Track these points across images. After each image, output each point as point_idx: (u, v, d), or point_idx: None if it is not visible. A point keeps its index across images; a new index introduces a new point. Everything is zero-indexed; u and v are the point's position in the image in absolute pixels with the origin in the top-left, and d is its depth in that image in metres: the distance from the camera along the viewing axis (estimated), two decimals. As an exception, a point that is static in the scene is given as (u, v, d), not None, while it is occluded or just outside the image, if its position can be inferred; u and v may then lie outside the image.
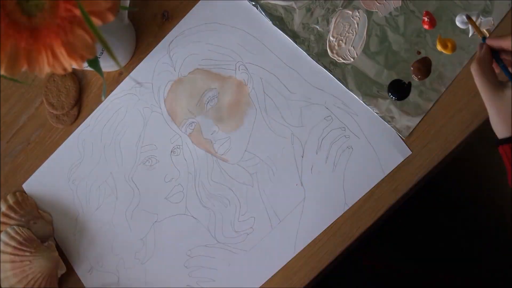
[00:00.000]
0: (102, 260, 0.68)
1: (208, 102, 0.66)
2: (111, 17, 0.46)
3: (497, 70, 0.51)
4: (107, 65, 0.66)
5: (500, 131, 0.48)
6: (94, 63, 0.53)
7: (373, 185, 0.59)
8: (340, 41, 0.62)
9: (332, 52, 0.62)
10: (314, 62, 0.62)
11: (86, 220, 0.69)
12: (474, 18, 0.58)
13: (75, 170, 0.70)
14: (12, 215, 0.69)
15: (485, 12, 0.58)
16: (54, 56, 0.46)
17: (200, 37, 0.67)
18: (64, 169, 0.71)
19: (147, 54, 0.68)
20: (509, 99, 0.47)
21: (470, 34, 0.58)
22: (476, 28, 0.53)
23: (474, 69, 0.49)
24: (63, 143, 0.71)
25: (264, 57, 0.64)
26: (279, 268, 0.62)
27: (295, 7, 0.63)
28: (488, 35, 0.52)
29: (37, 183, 0.72)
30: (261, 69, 0.64)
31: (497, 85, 0.48)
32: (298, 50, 0.63)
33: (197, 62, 0.67)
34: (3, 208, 0.69)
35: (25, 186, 0.72)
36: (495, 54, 0.50)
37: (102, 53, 0.60)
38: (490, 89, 0.48)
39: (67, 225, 0.70)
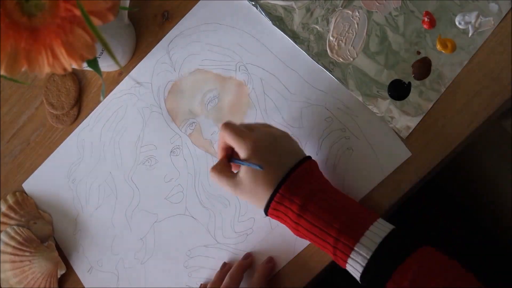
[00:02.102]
0: (102, 259, 0.68)
1: (209, 102, 0.66)
2: (111, 17, 0.46)
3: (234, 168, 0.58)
4: (107, 65, 0.66)
5: (260, 205, 0.54)
6: (93, 63, 0.53)
7: (373, 186, 0.59)
8: (340, 41, 0.62)
9: (332, 52, 0.62)
10: (314, 62, 0.62)
11: (85, 220, 0.69)
12: (474, 18, 0.58)
13: (74, 169, 0.71)
14: (12, 215, 0.69)
15: (485, 12, 0.58)
16: (54, 56, 0.46)
17: (200, 37, 0.67)
18: (63, 169, 0.71)
19: (147, 54, 0.68)
20: (242, 180, 0.53)
21: (470, 34, 0.58)
22: None
23: (212, 175, 0.56)
24: (62, 143, 0.71)
25: (264, 57, 0.64)
26: (279, 269, 0.62)
27: (295, 7, 0.63)
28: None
29: (37, 183, 0.72)
30: (261, 69, 0.64)
31: (234, 177, 0.55)
32: (298, 50, 0.63)
33: (198, 63, 0.67)
34: (3, 208, 0.69)
35: (25, 185, 0.72)
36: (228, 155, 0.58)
37: (102, 53, 0.60)
38: (231, 182, 0.54)
39: (67, 225, 0.70)
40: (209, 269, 0.64)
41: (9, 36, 0.46)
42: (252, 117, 0.64)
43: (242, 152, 0.54)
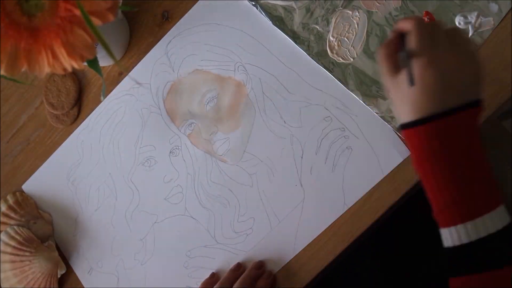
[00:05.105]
0: (102, 260, 0.68)
1: (208, 102, 0.66)
2: (111, 17, 0.47)
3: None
4: (99, 56, 0.65)
5: (401, 115, 0.48)
6: (93, 63, 0.54)
7: (372, 186, 0.59)
8: (340, 41, 0.62)
9: (332, 52, 0.62)
10: (314, 62, 0.62)
11: (85, 220, 0.69)
12: (474, 18, 0.58)
13: (74, 170, 0.70)
14: (12, 215, 0.69)
15: (485, 12, 0.58)
16: (54, 56, 0.46)
17: (198, 38, 0.67)
18: (63, 170, 0.71)
19: (147, 54, 0.68)
20: (399, 84, 0.47)
21: (470, 34, 0.58)
22: None
23: (378, 52, 0.49)
24: (62, 144, 0.71)
25: (263, 57, 0.64)
26: (279, 269, 0.62)
27: (295, 7, 0.64)
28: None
29: (37, 184, 0.72)
30: (260, 69, 0.64)
31: (396, 70, 0.48)
32: (298, 50, 0.63)
33: (196, 63, 0.67)
34: (3, 208, 0.69)
35: (25, 187, 0.72)
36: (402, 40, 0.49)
37: (97, 45, 0.60)
38: (390, 73, 0.48)
39: (67, 225, 0.70)
40: (209, 270, 0.64)
41: (9, 36, 0.46)
42: (251, 117, 0.64)
43: (415, 59, 0.46)
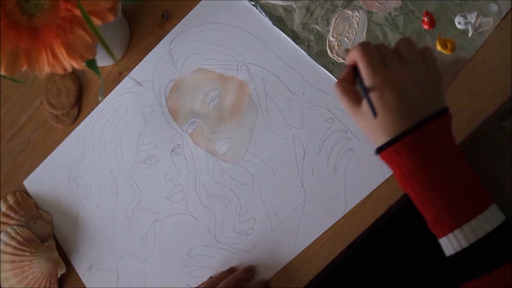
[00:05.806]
0: (102, 258, 0.69)
1: (210, 102, 0.66)
2: (111, 17, 0.47)
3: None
4: (99, 56, 0.65)
5: (374, 142, 0.49)
6: (92, 63, 0.54)
7: (374, 187, 0.59)
8: (340, 41, 0.62)
9: (332, 52, 0.62)
10: (315, 62, 0.62)
11: (86, 218, 0.70)
12: (474, 18, 0.58)
13: (75, 168, 0.71)
14: (12, 215, 0.69)
15: (485, 12, 0.58)
16: (54, 56, 0.46)
17: (201, 37, 0.67)
18: (64, 167, 0.71)
19: (147, 54, 0.68)
20: (363, 114, 0.48)
21: (470, 34, 0.58)
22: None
23: (335, 90, 0.50)
24: (64, 141, 0.71)
25: (266, 57, 0.64)
26: (279, 269, 0.62)
27: (295, 7, 0.63)
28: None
29: (38, 180, 0.72)
30: (263, 69, 0.64)
31: (357, 105, 0.49)
32: (299, 50, 0.63)
33: (199, 62, 0.67)
34: (3, 208, 0.69)
35: (26, 183, 0.72)
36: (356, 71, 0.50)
37: (96, 46, 0.60)
38: (352, 107, 0.49)
39: (67, 223, 0.70)
40: (209, 269, 0.64)
41: (9, 36, 0.46)
42: (253, 117, 0.64)
43: (367, 83, 0.48)
